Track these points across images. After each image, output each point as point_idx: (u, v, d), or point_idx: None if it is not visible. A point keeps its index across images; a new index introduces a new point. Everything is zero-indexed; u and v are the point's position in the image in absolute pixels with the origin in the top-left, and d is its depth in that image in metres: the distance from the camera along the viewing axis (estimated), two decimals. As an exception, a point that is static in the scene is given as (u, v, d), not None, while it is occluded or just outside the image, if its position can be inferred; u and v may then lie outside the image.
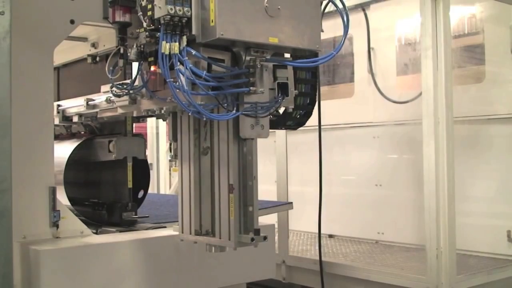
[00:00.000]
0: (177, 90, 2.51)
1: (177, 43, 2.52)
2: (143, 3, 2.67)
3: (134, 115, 3.20)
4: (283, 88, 2.74)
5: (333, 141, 5.92)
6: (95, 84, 3.58)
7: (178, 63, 2.51)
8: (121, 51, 3.00)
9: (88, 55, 3.91)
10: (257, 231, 2.75)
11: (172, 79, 2.51)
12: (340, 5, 2.82)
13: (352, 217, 5.96)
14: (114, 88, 3.09)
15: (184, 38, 2.54)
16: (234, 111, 2.63)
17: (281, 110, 3.19)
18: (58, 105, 3.93)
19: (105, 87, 3.35)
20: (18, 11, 2.84)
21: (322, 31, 2.82)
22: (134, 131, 3.81)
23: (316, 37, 2.78)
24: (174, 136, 3.09)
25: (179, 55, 2.52)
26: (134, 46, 2.85)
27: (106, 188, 3.95)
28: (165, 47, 2.51)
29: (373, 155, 5.86)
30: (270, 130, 2.85)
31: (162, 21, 2.52)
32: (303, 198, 5.60)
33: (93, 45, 3.89)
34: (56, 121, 3.87)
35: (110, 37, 3.46)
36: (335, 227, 6.06)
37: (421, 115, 4.27)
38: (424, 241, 4.24)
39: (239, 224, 2.78)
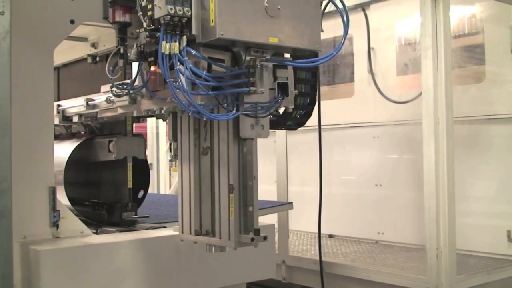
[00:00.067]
0: (177, 90, 2.51)
1: (177, 43, 2.52)
2: (143, 3, 2.67)
3: (134, 115, 3.20)
4: (283, 88, 2.74)
5: (333, 141, 5.92)
6: (95, 84, 3.58)
7: (178, 63, 2.51)
8: (121, 51, 3.00)
9: (88, 55, 3.91)
10: (257, 231, 2.75)
11: (172, 79, 2.51)
12: (340, 5, 2.82)
13: (352, 217, 5.96)
14: (114, 88, 3.09)
15: (184, 38, 2.54)
16: (234, 111, 2.62)
17: (281, 110, 3.18)
18: (58, 105, 3.93)
19: (105, 87, 3.35)
20: (18, 11, 2.84)
21: (322, 31, 2.82)
22: (134, 131, 3.80)
23: (316, 37, 2.78)
24: (174, 136, 3.09)
25: (179, 55, 2.52)
26: (134, 46, 2.84)
27: (106, 188, 3.95)
28: (165, 47, 2.51)
29: (373, 155, 5.86)
30: (270, 130, 2.85)
31: (162, 21, 2.52)
32: (303, 198, 5.60)
33: (93, 45, 3.89)
34: (56, 121, 3.87)
35: (110, 37, 3.46)
36: (335, 227, 6.05)
37: (421, 115, 4.27)
38: (424, 241, 4.24)
39: (239, 224, 2.78)
